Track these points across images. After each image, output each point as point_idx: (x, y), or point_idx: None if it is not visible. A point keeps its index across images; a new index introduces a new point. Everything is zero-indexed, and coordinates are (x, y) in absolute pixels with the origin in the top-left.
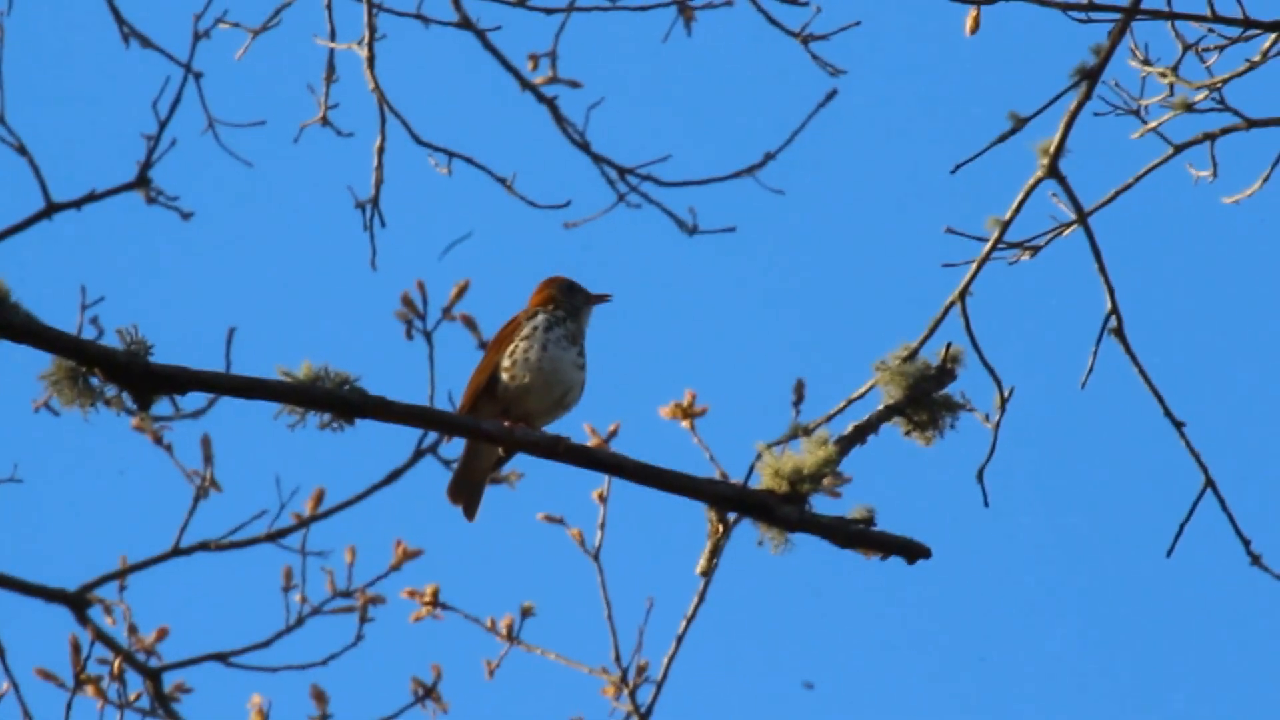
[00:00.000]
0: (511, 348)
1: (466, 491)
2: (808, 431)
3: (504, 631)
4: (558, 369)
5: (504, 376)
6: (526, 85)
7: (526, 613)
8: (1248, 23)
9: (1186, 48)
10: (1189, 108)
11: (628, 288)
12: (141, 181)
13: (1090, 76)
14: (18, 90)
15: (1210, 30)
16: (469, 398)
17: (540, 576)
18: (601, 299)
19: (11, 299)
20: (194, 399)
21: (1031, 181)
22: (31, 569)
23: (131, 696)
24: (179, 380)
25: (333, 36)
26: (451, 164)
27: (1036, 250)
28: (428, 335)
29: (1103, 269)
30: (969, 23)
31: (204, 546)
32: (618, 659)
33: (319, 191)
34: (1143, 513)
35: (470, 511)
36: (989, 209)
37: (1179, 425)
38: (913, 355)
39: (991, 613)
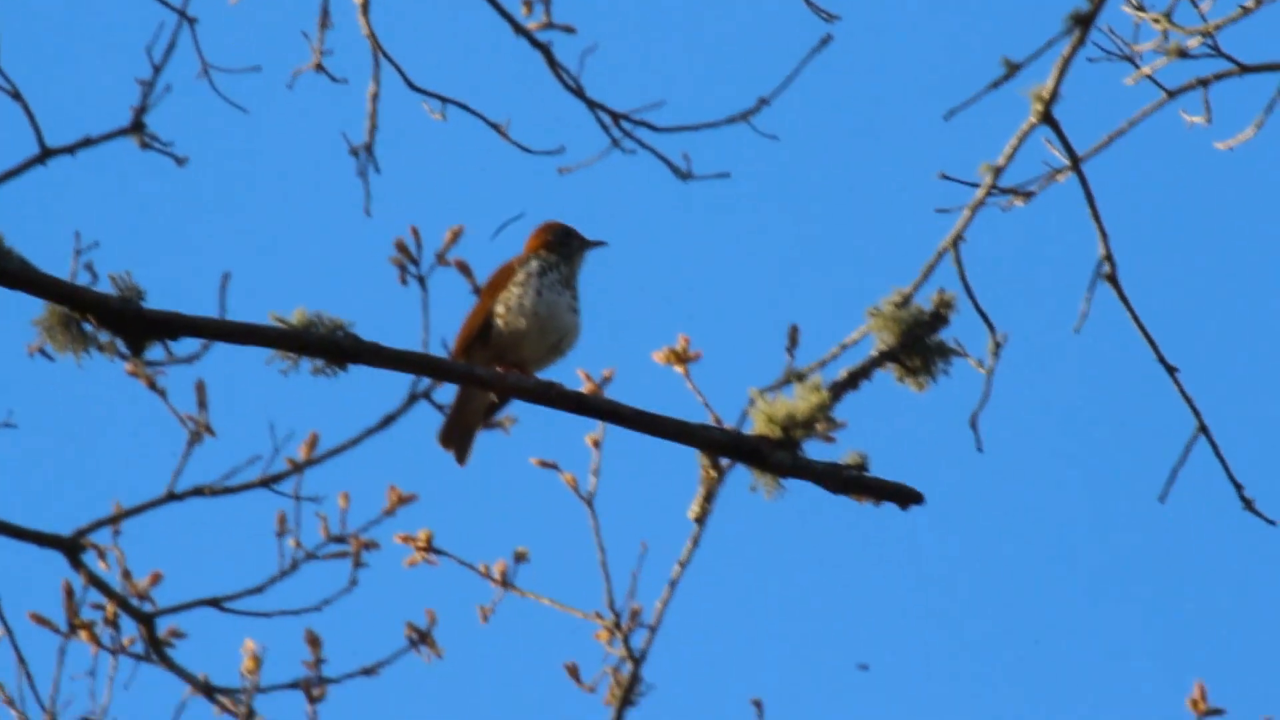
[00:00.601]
0: (506, 294)
1: (458, 437)
2: (801, 377)
3: (498, 577)
4: (553, 315)
5: (498, 323)
6: (520, 30)
7: (520, 558)
8: None
9: None
10: (1182, 54)
11: (622, 233)
12: (136, 127)
13: (1084, 22)
14: (12, 35)
15: None
16: (463, 343)
17: (534, 522)
18: (596, 245)
19: (5, 244)
20: (187, 345)
21: (1025, 127)
22: (25, 514)
23: (125, 641)
24: (172, 326)
25: None
26: (446, 110)
27: (1030, 196)
28: (422, 281)
29: (1096, 215)
30: None
31: (198, 491)
32: (611, 604)
33: (313, 138)
34: (1136, 458)
35: (462, 457)
36: (982, 155)
37: (1172, 370)
38: (906, 301)
39: (984, 558)
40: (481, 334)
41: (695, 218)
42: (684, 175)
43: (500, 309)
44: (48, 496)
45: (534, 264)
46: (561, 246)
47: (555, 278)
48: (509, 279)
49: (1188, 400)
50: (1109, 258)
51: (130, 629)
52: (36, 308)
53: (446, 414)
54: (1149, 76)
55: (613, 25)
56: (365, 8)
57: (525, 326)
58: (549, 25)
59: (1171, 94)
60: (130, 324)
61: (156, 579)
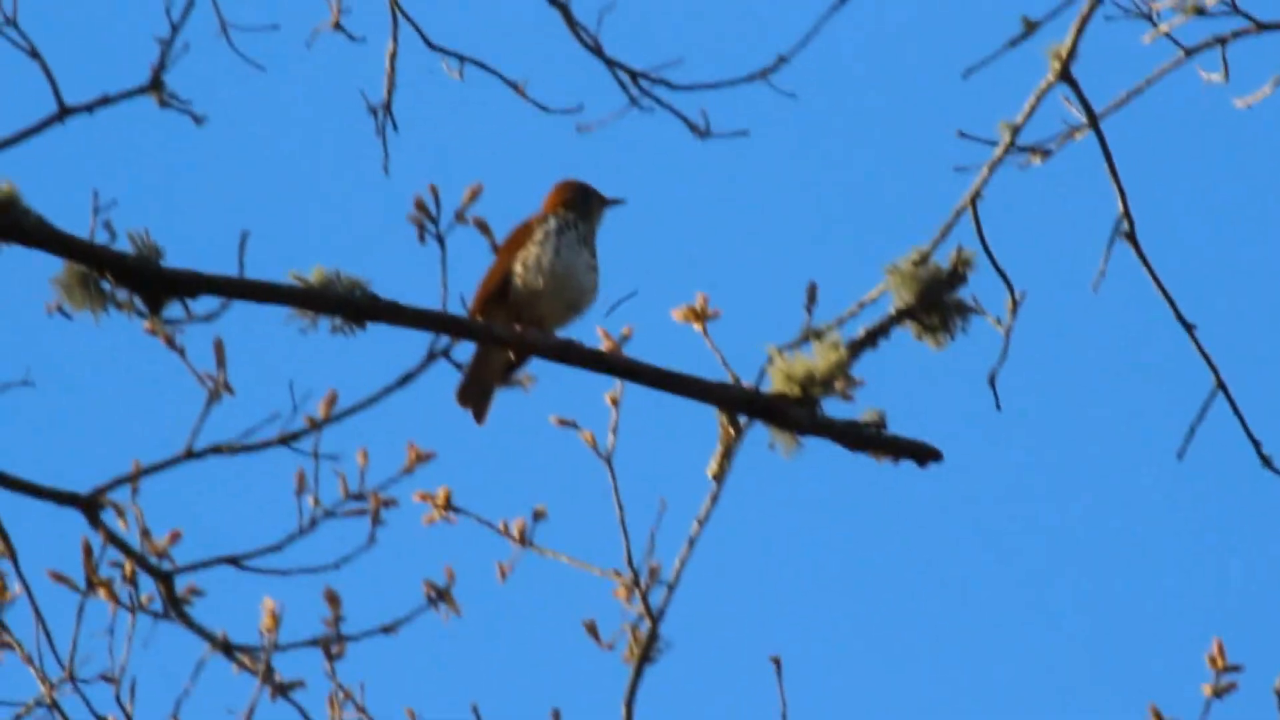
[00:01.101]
0: (524, 253)
1: (476, 395)
2: (819, 335)
3: (516, 535)
4: (571, 273)
5: (517, 281)
6: None
7: (539, 516)
8: None
9: None
10: (1200, 11)
11: (641, 192)
12: (154, 85)
13: None
14: None
15: None
16: (480, 302)
17: (552, 480)
18: (615, 203)
19: (22, 203)
20: (206, 303)
21: (1043, 85)
22: (43, 472)
23: (143, 599)
24: (190, 284)
25: None
26: (464, 68)
27: (1048, 154)
28: (440, 239)
29: (1114, 173)
30: None
31: (216, 450)
32: (630, 562)
33: (331, 97)
34: (1154, 415)
35: (480, 415)
36: (1000, 113)
37: (1190, 327)
38: (924, 259)
39: (1002, 516)
40: (500, 292)
41: (714, 176)
42: (702, 133)
43: (518, 267)
44: (66, 455)
45: (552, 222)
46: (580, 205)
47: (573, 236)
48: (527, 238)
49: (1205, 357)
50: (1127, 215)
51: (149, 587)
52: (54, 266)
53: (464, 372)
54: (1167, 34)
55: None
56: None
57: (543, 285)
58: None
59: (1189, 52)
60: (148, 282)
61: (175, 537)
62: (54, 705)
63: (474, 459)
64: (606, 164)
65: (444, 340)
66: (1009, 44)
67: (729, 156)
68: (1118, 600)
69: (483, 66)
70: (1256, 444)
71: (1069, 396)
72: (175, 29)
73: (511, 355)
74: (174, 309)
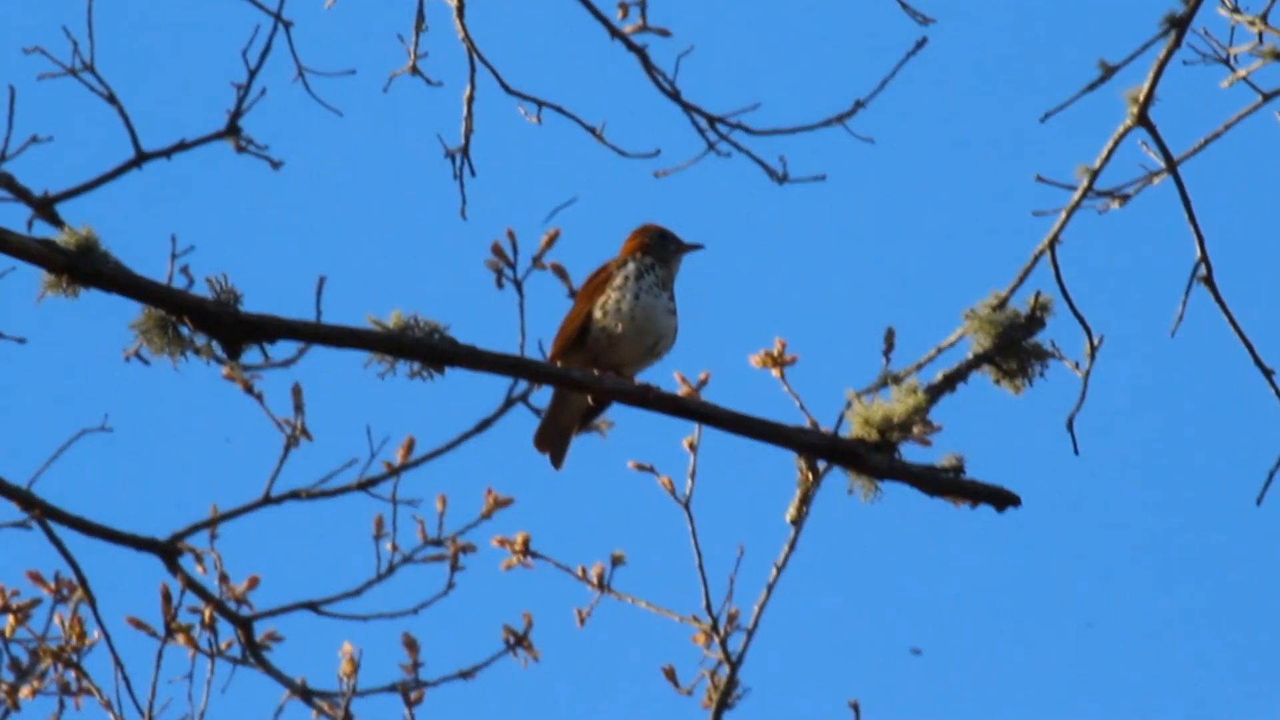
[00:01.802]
0: (604, 298)
1: (554, 440)
2: (898, 380)
3: (595, 580)
4: (651, 317)
5: (596, 326)
6: (616, 33)
7: (617, 561)
8: None
9: None
10: (1278, 56)
11: (718, 237)
12: (231, 130)
13: (1179, 24)
14: (108, 39)
15: None
16: (559, 346)
17: (630, 525)
18: (693, 248)
19: (101, 247)
20: (284, 349)
21: (1121, 130)
22: (122, 518)
23: (223, 645)
24: (268, 329)
25: None
26: (541, 113)
27: (1126, 199)
28: (518, 284)
29: (1192, 217)
30: None
31: (295, 495)
32: (708, 607)
33: (409, 141)
34: (1232, 460)
35: (557, 460)
36: (1079, 158)
37: (1268, 373)
38: (1002, 303)
39: (1081, 561)
40: (578, 337)
41: (791, 221)
42: (780, 178)
43: (598, 312)
44: (145, 500)
45: (631, 267)
46: (658, 249)
47: (652, 280)
48: (607, 282)
49: None
50: (1205, 260)
51: (227, 632)
52: (133, 311)
53: (543, 417)
54: (1244, 79)
55: (708, 28)
56: (460, 10)
57: (623, 330)
58: (644, 28)
59: (1267, 96)
60: (226, 326)
61: (254, 583)
62: None
63: (552, 504)
64: (684, 209)
65: (522, 385)
66: (1087, 88)
67: (806, 201)
68: (1196, 645)
69: (560, 111)
70: None
71: (1147, 441)
72: (252, 74)
73: (590, 400)
74: (252, 354)
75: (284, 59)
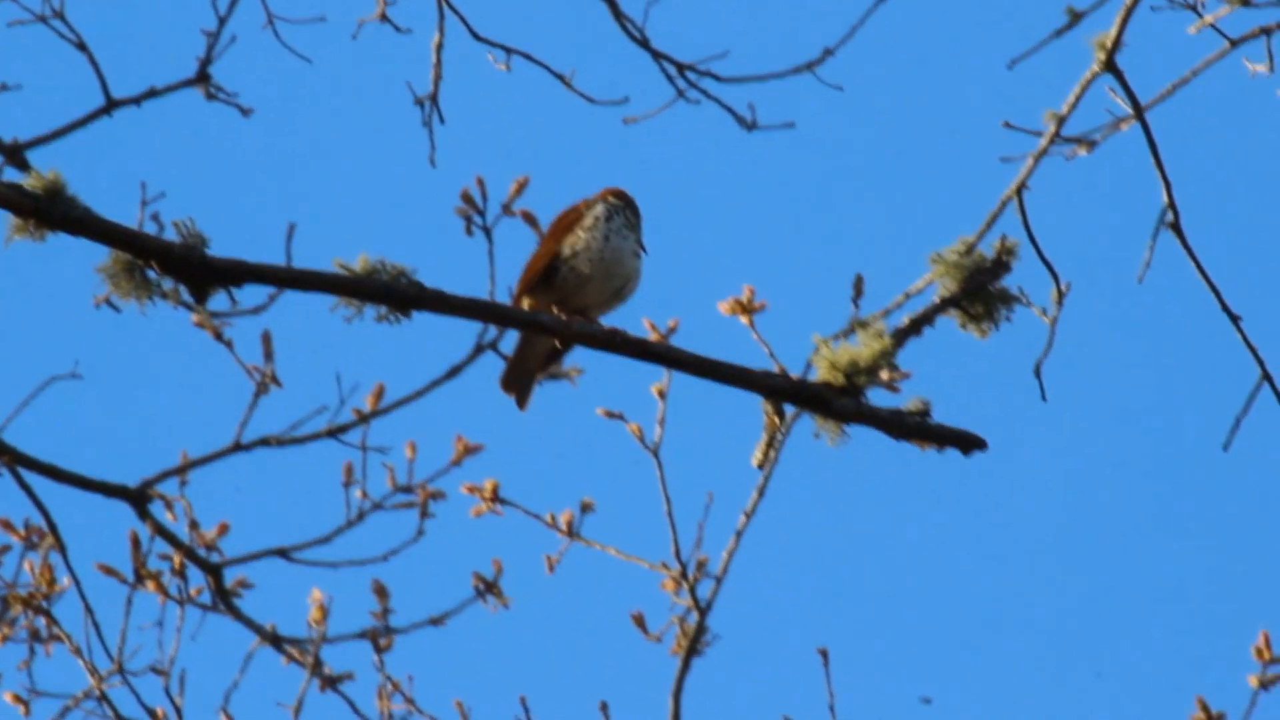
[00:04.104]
0: (573, 238)
1: (519, 381)
2: (864, 324)
3: (564, 527)
4: (619, 259)
5: (564, 266)
6: None
7: (586, 508)
8: None
9: None
10: (1245, 2)
11: (686, 183)
12: (201, 78)
13: None
14: None
15: None
16: (525, 285)
17: (600, 472)
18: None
19: (69, 192)
20: (253, 294)
21: (1088, 76)
22: (92, 465)
23: (192, 592)
24: (234, 273)
25: None
26: (510, 60)
27: (1093, 145)
28: (487, 231)
29: (1159, 163)
30: None
31: (265, 442)
32: (677, 554)
33: (378, 88)
34: (1199, 405)
35: (522, 402)
36: (1046, 104)
37: (1235, 318)
38: (970, 249)
39: (1047, 505)
40: (545, 277)
41: (760, 168)
42: (749, 125)
43: (567, 252)
44: (114, 447)
45: (600, 208)
46: (629, 202)
47: (621, 222)
48: (576, 222)
49: (1251, 348)
50: (1172, 206)
51: (197, 579)
52: (100, 255)
53: (508, 359)
54: (1212, 25)
55: None
56: None
57: (590, 271)
58: None
59: (1234, 42)
60: (194, 271)
61: (224, 529)
62: (103, 697)
63: (522, 451)
64: (653, 156)
65: (492, 332)
66: (1054, 35)
67: (775, 149)
68: (1162, 590)
69: (529, 58)
70: None
71: (1114, 387)
72: (222, 22)
73: (557, 343)
74: (220, 300)
75: (254, 6)
